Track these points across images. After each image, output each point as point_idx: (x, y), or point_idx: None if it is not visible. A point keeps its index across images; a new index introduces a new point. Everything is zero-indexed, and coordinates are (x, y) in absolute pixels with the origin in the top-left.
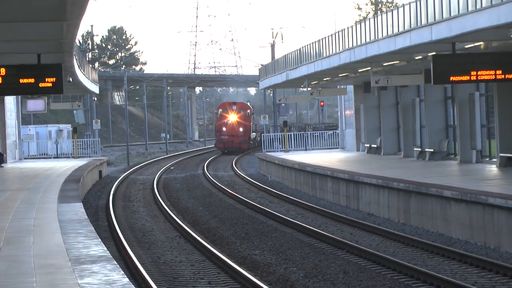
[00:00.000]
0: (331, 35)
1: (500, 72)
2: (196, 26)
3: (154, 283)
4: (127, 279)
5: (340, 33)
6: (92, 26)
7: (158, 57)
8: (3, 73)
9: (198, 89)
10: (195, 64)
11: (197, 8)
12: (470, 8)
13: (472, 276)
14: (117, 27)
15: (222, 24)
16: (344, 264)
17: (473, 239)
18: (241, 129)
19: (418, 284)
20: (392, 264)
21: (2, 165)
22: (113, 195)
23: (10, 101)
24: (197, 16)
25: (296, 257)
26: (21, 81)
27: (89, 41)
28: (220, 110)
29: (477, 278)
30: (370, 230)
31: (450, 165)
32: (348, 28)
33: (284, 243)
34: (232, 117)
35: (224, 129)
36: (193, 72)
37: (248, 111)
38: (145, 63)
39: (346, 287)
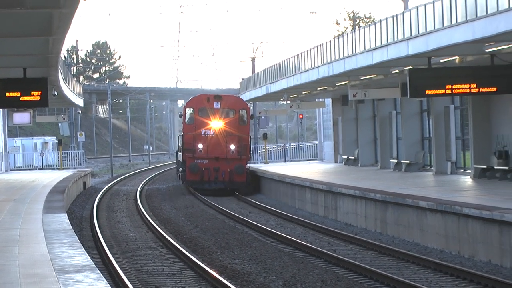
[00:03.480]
0: (310, 49)
1: (475, 85)
2: (179, 41)
3: None
4: (107, 286)
5: (319, 47)
6: (77, 41)
7: (141, 71)
8: None
9: (180, 102)
10: (177, 77)
11: (179, 23)
12: (445, 24)
13: (447, 285)
14: (101, 42)
15: (204, 39)
16: (322, 273)
17: (448, 248)
18: (233, 147)
19: None
20: (369, 272)
21: None
22: (97, 205)
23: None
24: (179, 31)
25: (275, 266)
26: (7, 94)
27: (74, 56)
28: (190, 110)
29: (452, 287)
30: (347, 239)
31: (426, 176)
32: (326, 42)
33: (264, 253)
34: (217, 124)
35: (200, 145)
36: (175, 86)
37: (244, 111)
38: (128, 77)
39: None
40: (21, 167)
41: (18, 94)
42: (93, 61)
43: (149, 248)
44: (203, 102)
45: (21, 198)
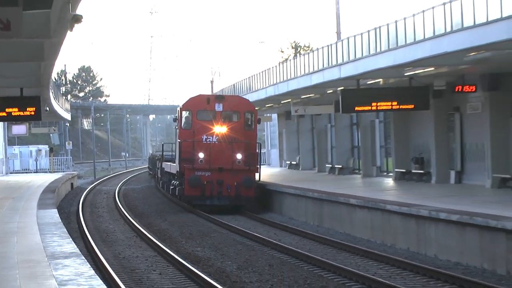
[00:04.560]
0: (259, 73)
1: (396, 103)
2: (150, 65)
3: (116, 274)
4: (93, 271)
5: (267, 71)
6: (65, 65)
7: (119, 90)
8: None
9: (151, 117)
10: (149, 96)
11: (151, 50)
12: (371, 52)
13: (372, 268)
14: (85, 66)
15: (171, 64)
16: (269, 259)
17: (374, 238)
18: (239, 156)
19: (330, 275)
20: (309, 258)
21: None
22: (82, 202)
23: None
24: (151, 57)
25: (230, 253)
26: (7, 110)
27: (63, 77)
28: (187, 113)
29: (377, 270)
30: (291, 231)
31: (355, 178)
32: (273, 67)
33: (221, 242)
34: (220, 129)
35: (201, 154)
36: (147, 103)
37: (250, 113)
38: (108, 95)
39: (271, 277)
40: (18, 170)
41: (16, 110)
42: (79, 82)
43: (125, 238)
44: (203, 103)
45: (18, 196)
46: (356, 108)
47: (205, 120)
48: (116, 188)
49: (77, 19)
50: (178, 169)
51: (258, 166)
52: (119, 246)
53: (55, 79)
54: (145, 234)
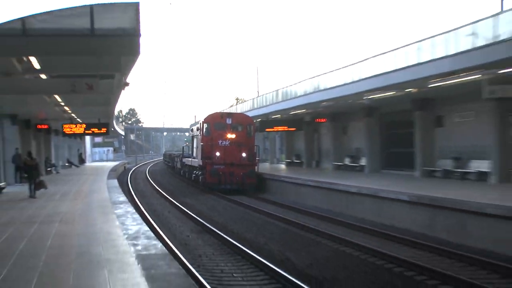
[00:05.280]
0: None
1: (286, 127)
2: (164, 93)
3: (146, 211)
4: (134, 210)
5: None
6: (121, 109)
7: (150, 114)
8: (85, 126)
9: (165, 133)
10: (163, 121)
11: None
12: (274, 101)
13: (290, 213)
14: (131, 108)
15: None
16: (255, 219)
17: (297, 199)
18: (244, 155)
19: (288, 226)
20: (278, 218)
21: (85, 164)
22: (129, 176)
23: (88, 138)
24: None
25: (204, 201)
26: (92, 129)
27: (120, 113)
28: (207, 125)
29: (312, 219)
30: (272, 203)
31: (303, 168)
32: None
33: (202, 198)
34: (230, 136)
35: (217, 153)
36: (163, 125)
37: (251, 126)
38: (143, 122)
39: (255, 228)
40: (97, 160)
41: (96, 129)
42: (128, 116)
43: (150, 194)
44: (218, 118)
45: (97, 173)
46: (267, 129)
47: (220, 129)
48: (146, 169)
49: (127, 84)
50: (200, 164)
51: (257, 162)
52: (147, 198)
53: (116, 114)
54: (160, 191)
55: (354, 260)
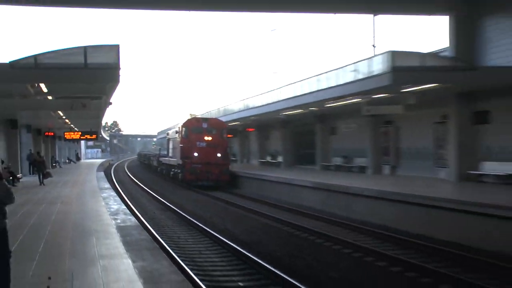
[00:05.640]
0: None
1: (232, 135)
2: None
3: (124, 195)
4: (115, 194)
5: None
6: (107, 121)
7: (131, 123)
8: (80, 133)
9: (139, 139)
10: (139, 129)
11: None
12: (218, 115)
13: (263, 206)
14: (114, 120)
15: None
16: (183, 190)
17: (261, 193)
18: (219, 155)
19: (254, 215)
20: (245, 209)
21: (80, 161)
22: (113, 169)
23: (82, 142)
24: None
25: (166, 187)
26: (85, 136)
27: (106, 124)
28: (185, 128)
29: (252, 202)
30: (242, 196)
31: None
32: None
33: (164, 184)
34: (207, 138)
35: (195, 154)
36: (138, 132)
37: (223, 129)
38: (123, 131)
39: (228, 217)
40: (89, 158)
41: (88, 136)
42: (112, 126)
43: (128, 182)
44: (195, 123)
45: (89, 167)
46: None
47: (197, 132)
48: (125, 165)
49: (110, 103)
50: (179, 163)
51: (229, 163)
52: (126, 185)
53: (103, 124)
54: (135, 181)
55: (273, 229)
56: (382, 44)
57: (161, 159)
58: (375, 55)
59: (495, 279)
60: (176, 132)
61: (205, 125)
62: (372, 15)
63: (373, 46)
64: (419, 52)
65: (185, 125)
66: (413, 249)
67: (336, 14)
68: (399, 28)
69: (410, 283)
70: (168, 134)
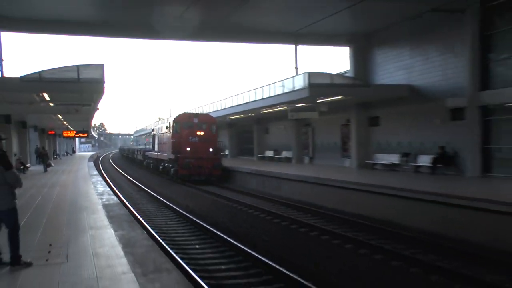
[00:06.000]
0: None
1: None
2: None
3: (109, 180)
4: (102, 179)
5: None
6: (95, 123)
7: (114, 122)
8: (75, 132)
9: (120, 136)
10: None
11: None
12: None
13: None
14: (101, 122)
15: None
16: (153, 175)
17: (245, 185)
18: (211, 149)
19: (244, 208)
20: (234, 201)
21: (75, 154)
22: (100, 160)
23: (77, 139)
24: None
25: (141, 172)
26: (79, 134)
27: (95, 125)
28: (177, 124)
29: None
30: (232, 190)
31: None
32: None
33: (140, 171)
34: (199, 133)
35: (188, 149)
36: (119, 131)
37: (213, 124)
38: (107, 130)
39: (216, 209)
40: (82, 151)
41: (81, 134)
42: (99, 126)
43: (113, 170)
44: (186, 118)
45: (82, 158)
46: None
47: (188, 128)
48: (110, 156)
49: (97, 109)
50: (171, 157)
51: (220, 157)
52: (111, 173)
53: (93, 125)
54: (118, 169)
55: (220, 204)
56: (302, 66)
57: (148, 153)
58: (297, 75)
59: (373, 235)
60: (167, 127)
61: (195, 120)
62: (294, 46)
63: (296, 68)
64: (329, 73)
65: (176, 120)
66: (327, 219)
67: (268, 44)
68: (315, 55)
69: (325, 243)
70: (154, 130)
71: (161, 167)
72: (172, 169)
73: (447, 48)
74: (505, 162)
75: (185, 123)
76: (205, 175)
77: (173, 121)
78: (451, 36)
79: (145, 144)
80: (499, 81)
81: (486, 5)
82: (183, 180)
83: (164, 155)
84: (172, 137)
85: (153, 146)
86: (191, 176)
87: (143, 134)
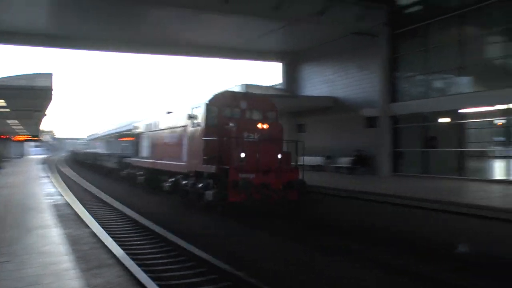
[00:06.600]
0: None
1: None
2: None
3: (57, 181)
4: (50, 181)
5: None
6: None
7: (66, 127)
8: (26, 137)
9: (69, 141)
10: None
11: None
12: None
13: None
14: (50, 129)
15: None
16: (102, 178)
17: None
18: (279, 156)
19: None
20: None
21: (24, 157)
22: (50, 163)
23: (31, 143)
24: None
25: (91, 175)
26: (30, 138)
27: (43, 130)
28: (212, 109)
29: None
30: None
31: None
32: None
33: (93, 176)
34: (259, 127)
35: (242, 154)
36: (70, 136)
37: (273, 113)
38: (55, 133)
39: (103, 183)
40: (34, 154)
41: (32, 138)
42: (49, 131)
43: (65, 170)
44: (229, 99)
45: (33, 161)
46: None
47: (236, 117)
48: (57, 159)
49: (45, 114)
50: (202, 170)
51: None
52: (64, 177)
53: (42, 130)
54: (66, 172)
55: (169, 201)
56: (240, 78)
57: (130, 160)
58: (235, 85)
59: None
60: (190, 116)
61: (244, 105)
62: (233, 60)
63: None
64: (263, 85)
65: (213, 102)
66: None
67: (210, 58)
68: (252, 68)
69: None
70: (138, 127)
71: (167, 184)
72: (212, 192)
73: (363, 66)
74: (409, 163)
75: (228, 110)
76: (275, 201)
77: (208, 103)
78: (367, 55)
79: (122, 149)
80: (405, 95)
81: (394, 32)
82: (221, 209)
83: (171, 164)
84: (204, 132)
85: (139, 150)
86: (248, 203)
87: (113, 136)
